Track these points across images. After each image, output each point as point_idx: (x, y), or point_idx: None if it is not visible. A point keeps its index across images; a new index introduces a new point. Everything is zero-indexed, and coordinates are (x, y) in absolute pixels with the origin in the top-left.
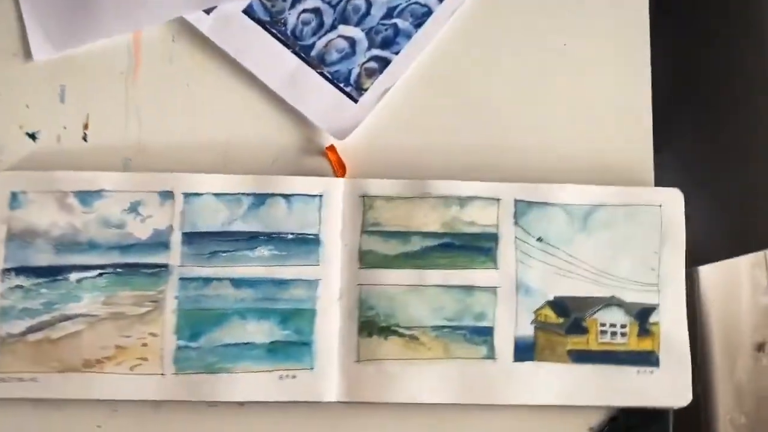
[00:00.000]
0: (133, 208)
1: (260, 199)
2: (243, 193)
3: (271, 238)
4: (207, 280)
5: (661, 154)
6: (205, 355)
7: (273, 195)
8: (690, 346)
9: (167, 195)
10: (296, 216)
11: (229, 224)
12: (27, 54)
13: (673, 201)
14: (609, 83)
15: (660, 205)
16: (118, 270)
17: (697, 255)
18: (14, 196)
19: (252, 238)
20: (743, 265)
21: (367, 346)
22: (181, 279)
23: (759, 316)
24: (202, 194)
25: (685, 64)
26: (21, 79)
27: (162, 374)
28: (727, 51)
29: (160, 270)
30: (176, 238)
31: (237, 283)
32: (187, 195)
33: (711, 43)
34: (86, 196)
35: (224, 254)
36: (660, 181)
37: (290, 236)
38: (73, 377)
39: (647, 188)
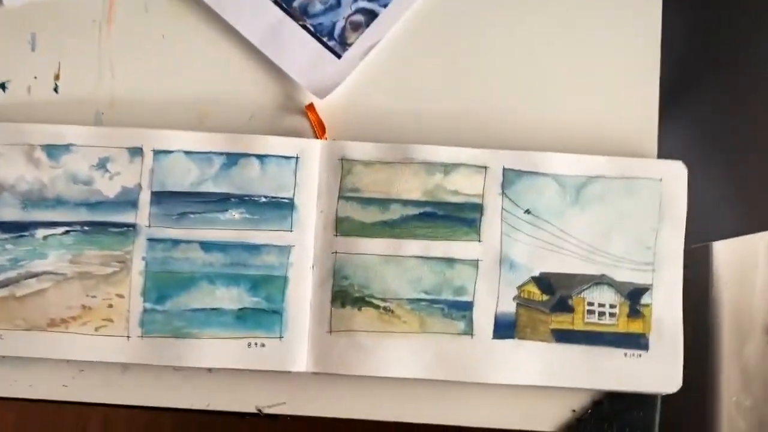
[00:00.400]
0: (102, 165)
1: (233, 159)
2: (215, 152)
3: (243, 201)
4: (175, 242)
5: (668, 121)
6: (172, 319)
7: (246, 155)
8: (698, 324)
9: (136, 151)
10: (270, 178)
11: (199, 184)
12: None
13: (675, 175)
14: (614, 44)
15: (660, 179)
16: (85, 228)
17: (709, 230)
18: None
19: (223, 200)
20: (761, 243)
21: (339, 317)
22: (149, 240)
23: None
24: (172, 152)
25: (699, 27)
26: None
27: (127, 336)
28: (741, 17)
29: (128, 230)
30: (145, 197)
31: (206, 246)
32: (157, 152)
33: (726, 7)
34: (54, 150)
35: (194, 216)
36: (666, 151)
37: (263, 199)
38: (38, 336)
39: (647, 160)
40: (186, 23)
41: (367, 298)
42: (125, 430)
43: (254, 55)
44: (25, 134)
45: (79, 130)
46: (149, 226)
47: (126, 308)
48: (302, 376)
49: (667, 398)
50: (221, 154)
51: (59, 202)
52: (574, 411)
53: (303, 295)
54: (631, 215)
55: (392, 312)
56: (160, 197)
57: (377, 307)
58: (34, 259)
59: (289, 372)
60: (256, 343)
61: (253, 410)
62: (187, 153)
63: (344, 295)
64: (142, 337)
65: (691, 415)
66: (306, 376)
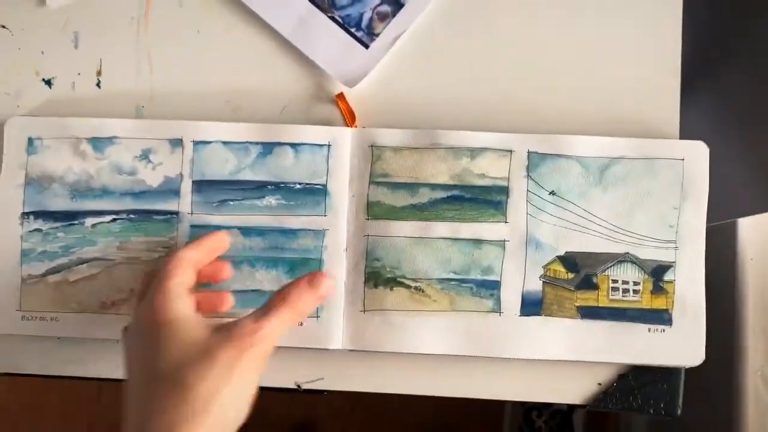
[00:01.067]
0: (145, 156)
1: (268, 148)
2: (251, 142)
3: (279, 188)
4: (216, 228)
5: (691, 99)
6: None
7: (281, 144)
8: (724, 299)
9: (177, 143)
10: (304, 165)
11: (237, 173)
12: (41, 1)
13: (697, 154)
14: (632, 25)
15: (682, 159)
16: (131, 216)
17: (734, 208)
18: (31, 141)
19: (260, 187)
20: None
21: (372, 297)
22: (192, 226)
23: None
24: (210, 142)
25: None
26: (36, 25)
27: None
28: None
29: (171, 217)
30: (186, 186)
31: (246, 231)
32: (196, 143)
33: None
34: (99, 143)
35: (233, 203)
36: (689, 130)
37: (298, 186)
38: (90, 317)
39: (669, 141)
40: (219, 18)
41: (398, 279)
42: None
43: (285, 47)
44: (71, 128)
45: (123, 123)
46: (191, 213)
47: None
48: (338, 353)
49: (692, 370)
50: (257, 143)
51: (105, 192)
52: (599, 384)
53: (337, 276)
54: (653, 195)
55: (423, 291)
56: (200, 186)
57: (408, 287)
58: (84, 246)
59: (326, 350)
60: None
61: (292, 386)
62: (225, 143)
63: (376, 276)
64: None
65: (717, 388)
66: (342, 353)
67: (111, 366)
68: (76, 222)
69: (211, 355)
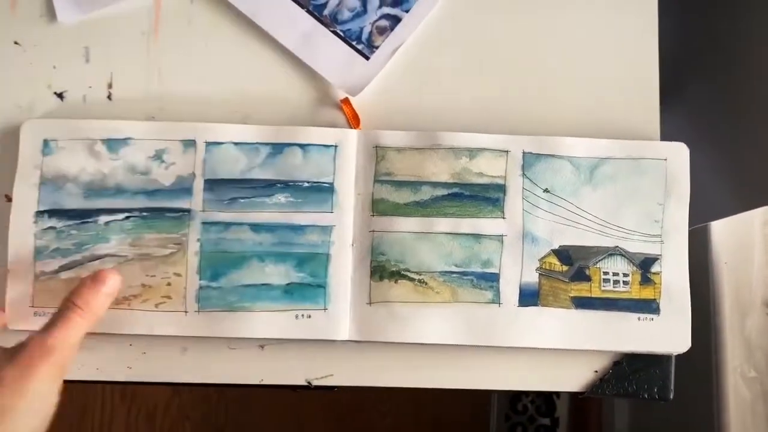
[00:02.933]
0: (158, 156)
1: (278, 148)
2: (261, 143)
3: (288, 186)
4: (227, 225)
5: (669, 107)
6: (226, 295)
7: (290, 145)
8: (701, 301)
9: (190, 143)
10: (312, 165)
11: (247, 172)
12: (53, 16)
13: (678, 155)
14: (615, 38)
15: (665, 159)
16: (144, 214)
17: (709, 211)
18: (46, 143)
19: (269, 186)
20: (756, 220)
21: (378, 289)
22: (203, 223)
23: None
24: (222, 143)
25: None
26: (48, 40)
27: (185, 311)
28: (729, 8)
29: (183, 214)
30: (198, 185)
31: (255, 227)
32: (208, 144)
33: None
34: (113, 144)
35: (243, 200)
36: (668, 135)
37: (306, 184)
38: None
39: (653, 142)
40: (227, 33)
41: (402, 272)
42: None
43: (290, 59)
44: (86, 130)
45: (137, 125)
46: (203, 210)
47: (183, 286)
48: (347, 349)
49: (677, 369)
50: (267, 144)
51: (119, 191)
52: (596, 371)
53: (344, 270)
54: (639, 192)
55: (426, 284)
56: (212, 184)
57: (412, 279)
58: (97, 243)
59: (335, 345)
60: (303, 315)
61: (303, 383)
62: (236, 144)
63: (382, 269)
64: (198, 311)
65: (697, 386)
66: (350, 349)
67: (124, 369)
68: (89, 220)
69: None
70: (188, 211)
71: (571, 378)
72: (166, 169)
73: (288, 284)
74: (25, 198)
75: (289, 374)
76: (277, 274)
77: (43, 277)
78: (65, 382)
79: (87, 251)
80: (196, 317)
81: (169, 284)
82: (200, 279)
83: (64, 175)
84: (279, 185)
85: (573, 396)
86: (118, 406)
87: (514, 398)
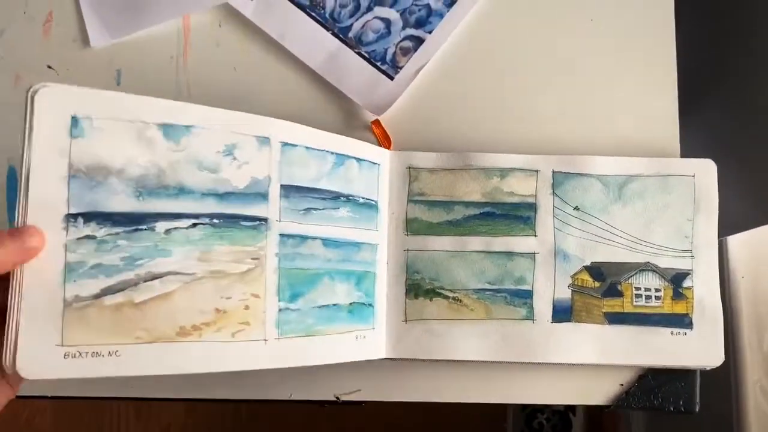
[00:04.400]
0: (229, 151)
1: (341, 158)
2: (328, 151)
3: (348, 200)
4: (303, 238)
5: (686, 122)
6: (304, 318)
7: (349, 157)
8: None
9: (265, 141)
10: (364, 181)
11: (317, 180)
12: (85, 41)
13: (706, 171)
14: (634, 58)
15: (693, 175)
16: (215, 221)
17: (725, 225)
18: (75, 121)
19: (335, 198)
20: None
21: (413, 307)
22: (281, 235)
23: None
24: (296, 145)
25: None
26: (80, 64)
27: (265, 340)
28: (756, 18)
29: (260, 224)
30: (275, 190)
31: (326, 242)
32: (284, 144)
33: (740, 9)
34: (172, 131)
35: (316, 212)
36: (686, 150)
37: (361, 200)
38: (165, 348)
39: (680, 159)
40: (254, 56)
41: (437, 290)
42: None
43: (317, 80)
44: (134, 109)
45: (204, 111)
46: (279, 220)
47: (262, 309)
48: (374, 364)
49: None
50: (333, 153)
51: (182, 191)
52: (621, 385)
53: (383, 288)
54: (668, 208)
55: (460, 301)
56: (288, 191)
57: (447, 297)
58: (155, 258)
59: (363, 361)
60: (360, 336)
61: (331, 398)
62: (307, 148)
63: (417, 287)
64: (278, 338)
65: (718, 401)
66: (377, 363)
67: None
68: (143, 227)
69: None
70: (265, 220)
71: (596, 391)
72: (238, 168)
73: (350, 304)
74: (50, 196)
75: (318, 389)
76: (342, 292)
77: (78, 303)
78: (78, 398)
79: (142, 268)
80: (276, 345)
81: (247, 307)
82: (279, 300)
83: (105, 166)
84: (342, 198)
85: (588, 413)
86: (134, 425)
87: (529, 416)
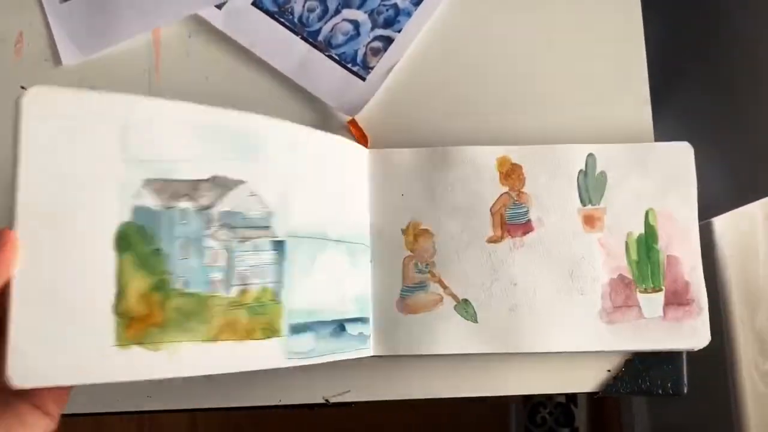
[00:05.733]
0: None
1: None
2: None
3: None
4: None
5: (659, 106)
6: None
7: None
8: (709, 297)
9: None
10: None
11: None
12: (57, 59)
13: (683, 154)
14: (603, 43)
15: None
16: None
17: (707, 207)
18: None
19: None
20: (758, 213)
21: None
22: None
23: None
24: None
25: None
26: (53, 82)
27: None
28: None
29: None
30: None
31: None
32: None
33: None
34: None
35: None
36: (660, 134)
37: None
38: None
39: (657, 143)
40: (226, 65)
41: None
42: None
43: (290, 85)
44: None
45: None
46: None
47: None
48: (362, 363)
49: (692, 366)
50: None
51: None
52: (609, 371)
53: (369, 286)
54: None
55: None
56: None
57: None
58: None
59: (350, 360)
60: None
61: (320, 401)
62: None
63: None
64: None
65: (715, 382)
66: (365, 362)
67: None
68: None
69: None
70: None
71: (585, 379)
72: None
73: None
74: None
75: (307, 393)
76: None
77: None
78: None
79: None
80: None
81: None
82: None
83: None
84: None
85: (591, 404)
86: None
87: (532, 411)
